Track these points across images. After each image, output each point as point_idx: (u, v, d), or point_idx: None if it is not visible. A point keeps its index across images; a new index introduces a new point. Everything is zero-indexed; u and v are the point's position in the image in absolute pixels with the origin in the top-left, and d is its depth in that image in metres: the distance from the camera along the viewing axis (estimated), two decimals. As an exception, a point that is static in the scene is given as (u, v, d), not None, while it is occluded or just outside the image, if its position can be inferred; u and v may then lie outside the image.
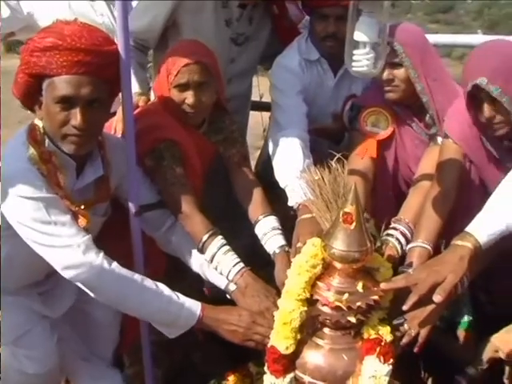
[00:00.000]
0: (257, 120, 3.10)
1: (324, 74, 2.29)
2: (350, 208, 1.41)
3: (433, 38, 3.09)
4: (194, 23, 2.27)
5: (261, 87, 3.07)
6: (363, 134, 2.06)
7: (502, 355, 1.90)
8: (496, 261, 1.81)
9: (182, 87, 1.91)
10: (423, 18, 26.34)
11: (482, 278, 1.86)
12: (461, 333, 1.93)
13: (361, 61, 1.33)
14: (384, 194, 2.12)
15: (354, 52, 1.34)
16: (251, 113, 2.92)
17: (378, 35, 1.32)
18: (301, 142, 2.04)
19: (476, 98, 1.77)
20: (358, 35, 1.31)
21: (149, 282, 1.69)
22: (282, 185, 1.98)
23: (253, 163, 2.87)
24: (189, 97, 1.91)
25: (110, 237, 1.84)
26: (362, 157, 2.02)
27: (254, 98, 2.98)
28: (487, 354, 1.90)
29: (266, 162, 2.21)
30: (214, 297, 1.92)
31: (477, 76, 1.71)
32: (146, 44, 2.36)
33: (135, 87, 2.23)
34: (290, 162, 1.98)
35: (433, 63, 2.00)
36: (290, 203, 1.92)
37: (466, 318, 1.93)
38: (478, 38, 3.07)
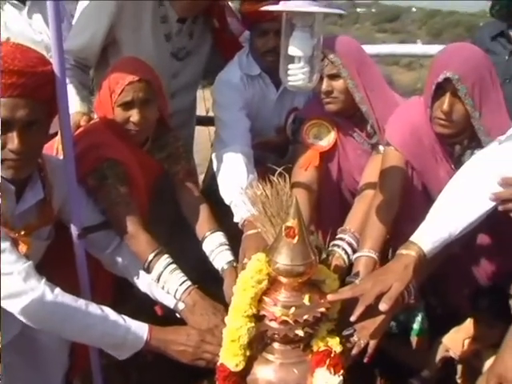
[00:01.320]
0: (204, 134, 3.09)
1: (266, 88, 2.30)
2: (292, 222, 1.41)
3: (376, 49, 3.19)
4: (133, 39, 2.25)
5: (207, 101, 3.08)
6: (306, 146, 2.07)
7: (452, 355, 1.94)
8: (444, 265, 1.84)
9: (127, 105, 1.88)
10: (371, 28, 26.97)
11: (432, 282, 1.89)
12: (414, 338, 1.96)
13: (296, 75, 1.33)
14: (330, 205, 2.14)
15: (289, 67, 1.33)
16: (199, 128, 2.91)
17: (312, 49, 1.32)
18: (244, 157, 2.05)
19: (440, 89, 1.80)
20: (293, 50, 1.31)
21: (93, 307, 1.66)
22: (226, 201, 1.98)
23: (202, 178, 2.86)
24: (134, 115, 1.89)
25: (55, 261, 1.81)
26: (305, 169, 2.03)
27: (201, 112, 2.98)
28: (439, 355, 1.94)
29: (212, 178, 2.20)
30: (167, 316, 1.89)
31: (449, 69, 1.75)
32: (86, 62, 2.32)
33: (77, 106, 2.20)
34: (233, 178, 1.98)
35: (370, 73, 2.03)
36: (235, 219, 1.92)
37: (418, 324, 1.96)
38: (418, 48, 3.18)
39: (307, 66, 1.33)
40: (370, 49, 2.99)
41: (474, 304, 1.97)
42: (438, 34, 23.31)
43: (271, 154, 2.31)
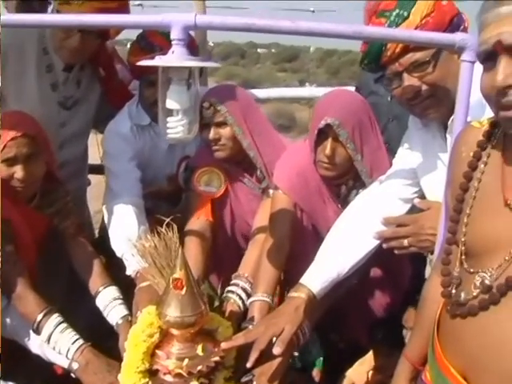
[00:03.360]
0: (99, 181, 3.01)
1: (157, 137, 2.28)
2: (178, 273, 1.41)
3: (265, 93, 3.28)
4: (16, 89, 2.20)
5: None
6: (198, 193, 2.08)
7: None
8: (340, 299, 1.90)
9: (10, 161, 1.82)
10: (271, 67, 27.76)
11: (331, 318, 1.93)
12: (316, 372, 1.98)
13: (176, 127, 1.34)
14: (224, 251, 2.15)
15: (168, 119, 1.34)
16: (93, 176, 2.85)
17: (189, 101, 1.34)
18: (135, 208, 2.04)
19: (322, 135, 1.86)
20: (170, 103, 1.32)
21: None
22: (118, 254, 1.96)
23: (97, 227, 2.80)
24: (18, 171, 1.83)
25: None
26: (197, 217, 2.04)
27: (94, 161, 2.91)
28: (344, 388, 1.97)
29: (105, 229, 2.16)
30: (67, 374, 1.81)
31: (329, 115, 1.81)
32: None
33: None
34: (124, 230, 1.96)
35: (256, 119, 2.08)
36: (127, 272, 1.89)
37: (317, 358, 1.98)
38: (307, 91, 3.31)
39: (186, 118, 1.34)
40: (260, 93, 3.08)
41: (371, 336, 2.03)
42: (335, 72, 24.31)
43: (164, 203, 2.30)
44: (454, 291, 1.11)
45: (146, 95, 2.21)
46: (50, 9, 2.13)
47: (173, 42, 1.28)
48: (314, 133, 1.86)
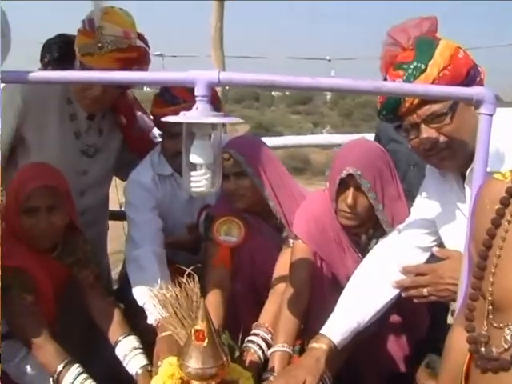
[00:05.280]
0: (115, 223, 3.03)
1: (178, 187, 2.31)
2: (200, 325, 1.42)
3: (283, 141, 3.32)
4: (40, 139, 2.25)
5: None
6: (217, 243, 2.10)
7: None
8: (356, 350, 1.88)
9: (32, 212, 1.87)
10: (285, 110, 27.96)
11: (347, 369, 1.91)
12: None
13: (199, 181, 1.36)
14: (243, 300, 2.14)
15: (192, 174, 1.37)
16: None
17: (213, 156, 1.36)
18: (156, 258, 2.06)
19: (344, 184, 1.88)
20: (194, 158, 1.35)
21: None
22: (139, 303, 1.96)
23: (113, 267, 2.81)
24: (40, 221, 1.87)
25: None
26: (216, 266, 2.05)
27: (114, 207, 2.95)
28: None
29: (127, 277, 2.17)
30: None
31: (351, 165, 1.84)
32: None
33: None
34: (146, 280, 1.97)
35: (275, 170, 2.11)
36: (149, 321, 1.90)
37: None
38: (323, 138, 3.35)
39: (209, 172, 1.37)
40: (277, 141, 3.12)
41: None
42: (348, 115, 24.43)
43: (183, 252, 2.32)
44: (482, 348, 1.11)
45: (167, 146, 2.25)
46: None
47: (197, 99, 1.31)
48: (336, 182, 1.89)
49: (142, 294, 1.96)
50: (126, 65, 2.04)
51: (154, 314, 1.86)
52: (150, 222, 2.19)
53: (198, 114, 1.30)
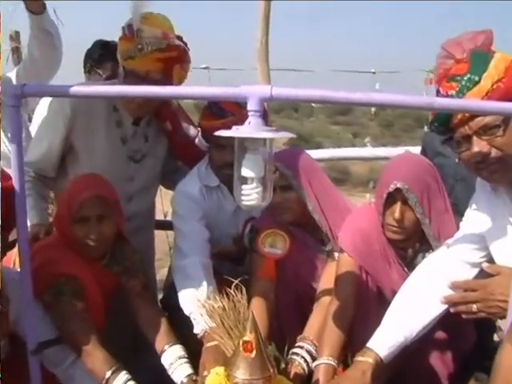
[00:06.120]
0: (159, 235, 3.07)
1: (224, 199, 2.34)
2: (249, 336, 1.44)
3: (328, 153, 3.32)
4: (88, 146, 2.30)
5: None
6: (262, 255, 2.11)
7: None
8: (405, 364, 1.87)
9: (84, 221, 1.91)
10: (325, 121, 27.80)
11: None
12: None
13: (250, 195, 1.38)
14: (287, 312, 2.15)
15: (243, 187, 1.38)
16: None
17: (264, 170, 1.37)
18: (203, 269, 2.09)
19: (391, 198, 1.88)
20: (246, 171, 1.36)
21: None
22: (186, 313, 1.99)
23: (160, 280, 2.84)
24: (91, 231, 1.92)
25: (9, 374, 1.75)
26: (261, 278, 2.07)
27: (158, 216, 2.99)
28: None
29: (173, 286, 2.21)
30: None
31: (398, 180, 1.84)
32: (45, 173, 2.36)
33: (35, 218, 2.21)
34: (192, 290, 2.00)
35: (320, 182, 2.12)
36: (195, 331, 1.92)
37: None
38: (367, 151, 3.34)
39: (260, 186, 1.38)
40: (323, 153, 3.12)
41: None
42: (388, 125, 24.18)
43: (228, 262, 2.34)
44: None
45: (215, 158, 2.28)
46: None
47: (249, 114, 1.32)
48: (383, 197, 1.89)
49: (188, 304, 1.99)
50: (167, 64, 2.11)
51: (200, 324, 1.88)
52: (198, 232, 2.22)
53: (251, 128, 1.32)
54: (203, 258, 2.14)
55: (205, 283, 2.02)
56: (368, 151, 3.28)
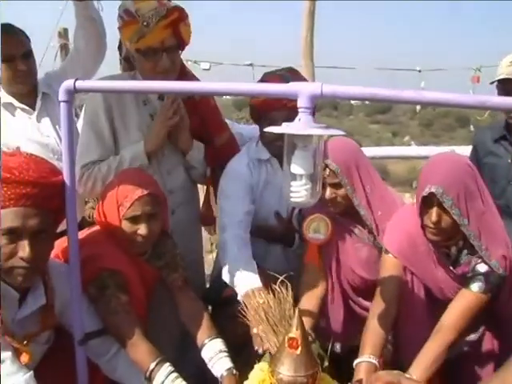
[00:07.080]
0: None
1: (274, 173, 2.34)
2: (294, 333, 1.44)
3: (371, 152, 3.28)
4: (124, 126, 2.32)
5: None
6: (306, 240, 2.12)
7: None
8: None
9: (135, 219, 1.92)
10: (364, 119, 27.57)
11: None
12: None
13: (299, 192, 1.38)
14: (331, 300, 2.17)
15: (292, 184, 1.38)
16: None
17: (313, 167, 1.37)
18: (236, 242, 2.14)
19: (428, 201, 1.86)
20: (295, 168, 1.36)
21: None
22: (228, 282, 2.08)
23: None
24: (142, 228, 1.93)
25: (52, 364, 1.80)
26: (307, 264, 2.11)
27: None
28: None
29: (215, 281, 2.22)
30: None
31: (433, 183, 1.82)
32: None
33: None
34: (227, 263, 2.10)
35: (368, 174, 2.11)
36: (239, 297, 1.98)
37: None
38: (411, 150, 3.29)
39: (309, 183, 1.38)
40: (366, 151, 3.08)
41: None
42: (428, 125, 23.84)
43: (279, 244, 2.38)
44: None
45: (268, 133, 2.23)
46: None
47: (299, 110, 1.32)
48: (419, 200, 1.87)
49: (226, 273, 2.07)
50: (174, 26, 2.18)
51: (238, 288, 1.97)
52: (239, 207, 2.24)
53: (301, 125, 1.31)
54: (239, 231, 2.18)
55: (237, 257, 2.08)
56: (411, 150, 3.22)
